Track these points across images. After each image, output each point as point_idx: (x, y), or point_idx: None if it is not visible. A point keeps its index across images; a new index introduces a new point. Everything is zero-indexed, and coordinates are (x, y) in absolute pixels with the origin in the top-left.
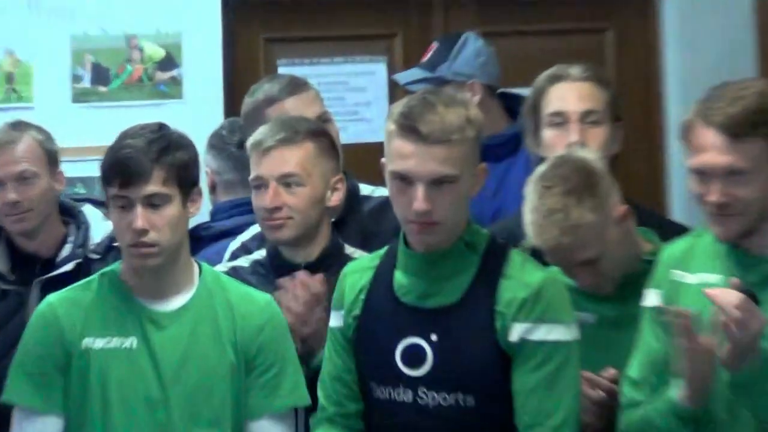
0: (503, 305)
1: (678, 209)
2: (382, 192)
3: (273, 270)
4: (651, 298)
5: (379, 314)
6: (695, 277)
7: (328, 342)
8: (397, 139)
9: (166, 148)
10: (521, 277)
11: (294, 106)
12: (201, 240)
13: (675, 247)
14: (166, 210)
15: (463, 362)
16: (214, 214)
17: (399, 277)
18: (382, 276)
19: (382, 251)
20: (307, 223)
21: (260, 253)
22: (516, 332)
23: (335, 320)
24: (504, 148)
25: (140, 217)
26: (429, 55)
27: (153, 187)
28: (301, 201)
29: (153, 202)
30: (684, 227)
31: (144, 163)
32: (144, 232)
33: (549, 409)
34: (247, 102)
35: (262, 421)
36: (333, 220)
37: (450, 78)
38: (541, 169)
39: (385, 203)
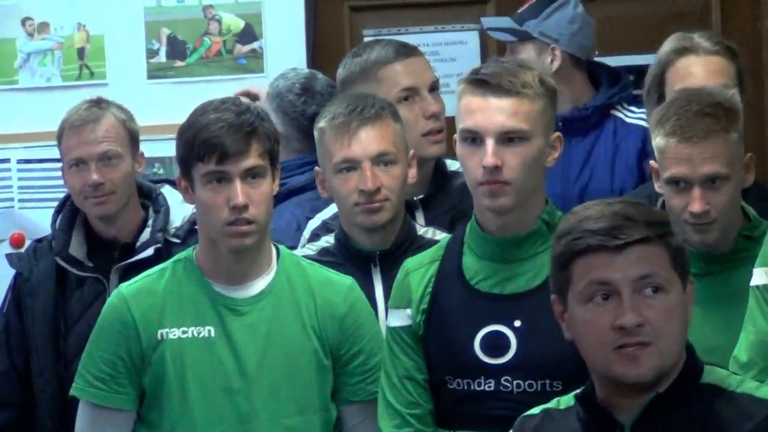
0: None
1: None
2: None
3: (344, 259)
4: (761, 276)
5: (451, 306)
6: None
7: (389, 343)
8: (465, 96)
9: (259, 121)
10: None
11: (407, 70)
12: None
13: None
14: (263, 185)
15: (550, 347)
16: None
17: (471, 264)
18: (450, 266)
19: (444, 242)
20: (400, 205)
21: (327, 240)
22: None
23: (399, 319)
24: (588, 122)
25: (241, 192)
26: (524, 7)
27: (252, 161)
28: (396, 180)
29: (251, 177)
30: None
31: (243, 135)
32: (245, 207)
33: None
34: (353, 62)
35: (356, 405)
36: (421, 197)
37: (534, 35)
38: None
39: None
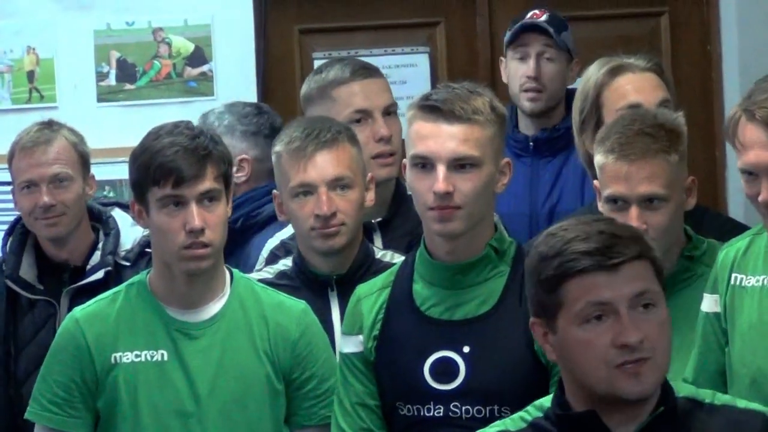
0: None
1: (735, 203)
2: None
3: (301, 283)
4: (709, 303)
5: (401, 332)
6: (754, 280)
7: (342, 369)
8: (416, 121)
9: (213, 144)
10: None
11: (362, 91)
12: (245, 231)
13: (732, 248)
14: (218, 208)
15: (499, 373)
16: (248, 201)
17: (420, 290)
18: (400, 292)
19: (395, 268)
20: (356, 229)
21: (285, 263)
22: None
23: (351, 346)
24: (558, 143)
25: (197, 215)
26: (544, 17)
27: (208, 184)
28: (353, 205)
29: (207, 200)
30: (743, 226)
31: (198, 159)
32: (201, 231)
33: None
34: (313, 80)
35: (309, 429)
36: (379, 219)
37: (569, 48)
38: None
39: None
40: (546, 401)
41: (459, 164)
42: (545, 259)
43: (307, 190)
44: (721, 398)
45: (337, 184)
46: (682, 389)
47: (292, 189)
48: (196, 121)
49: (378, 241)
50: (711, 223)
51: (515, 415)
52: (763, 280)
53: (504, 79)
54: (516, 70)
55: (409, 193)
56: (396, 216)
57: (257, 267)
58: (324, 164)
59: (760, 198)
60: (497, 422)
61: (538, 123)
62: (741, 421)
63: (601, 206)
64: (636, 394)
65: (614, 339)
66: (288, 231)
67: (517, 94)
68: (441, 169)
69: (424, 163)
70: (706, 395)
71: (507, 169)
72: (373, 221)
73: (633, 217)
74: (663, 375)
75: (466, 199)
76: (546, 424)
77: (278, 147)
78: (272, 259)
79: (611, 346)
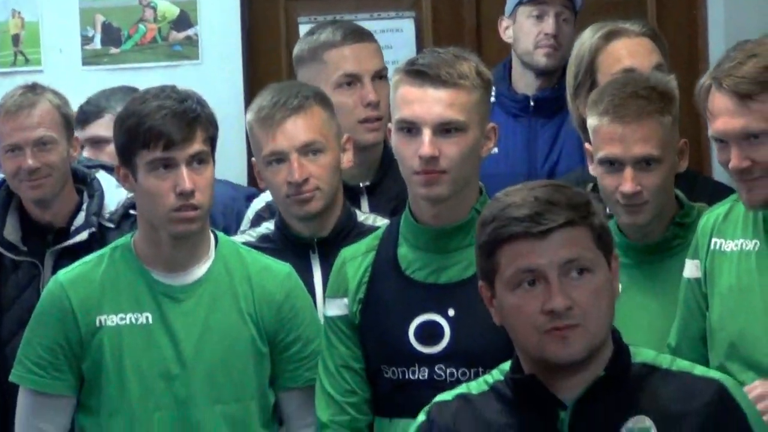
0: None
1: (721, 169)
2: None
3: (283, 246)
4: (690, 269)
5: (386, 295)
6: (733, 244)
7: (326, 332)
8: (402, 86)
9: (200, 107)
10: None
11: (352, 55)
12: None
13: (713, 214)
14: (207, 170)
15: (483, 336)
16: None
17: (406, 254)
18: (385, 255)
19: (380, 232)
20: (333, 192)
21: (267, 227)
22: None
23: (336, 309)
24: (557, 102)
25: (187, 178)
26: None
27: (197, 146)
28: (326, 169)
29: (197, 163)
30: (733, 191)
31: (187, 122)
32: (191, 193)
33: None
34: (305, 41)
35: (293, 392)
36: (367, 183)
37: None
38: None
39: None
40: (508, 365)
41: (445, 129)
42: (484, 224)
43: (279, 157)
44: (680, 364)
45: (308, 149)
46: (640, 354)
47: (265, 158)
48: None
49: (365, 205)
50: (703, 187)
51: (480, 378)
52: (742, 244)
53: (505, 37)
54: (531, 27)
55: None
56: (383, 180)
57: (242, 228)
58: (293, 131)
59: (730, 165)
60: (462, 385)
61: (545, 81)
62: (694, 388)
63: (593, 169)
64: (564, 358)
65: (543, 305)
66: None
67: (530, 51)
68: (427, 134)
69: (410, 128)
70: (664, 361)
71: (492, 134)
72: (360, 185)
73: (627, 179)
74: (595, 340)
75: (452, 164)
76: (502, 387)
77: (249, 117)
78: (257, 220)
79: (540, 312)
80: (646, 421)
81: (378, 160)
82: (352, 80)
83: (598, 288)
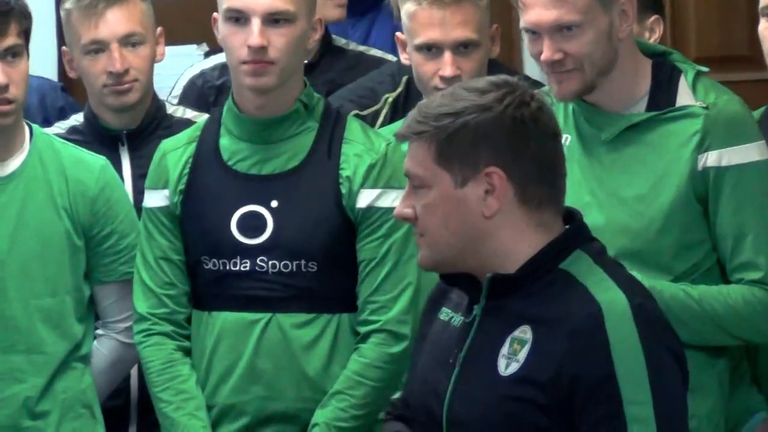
0: (349, 170)
1: (532, 62)
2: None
3: (92, 138)
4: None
5: (208, 186)
6: None
7: (145, 224)
8: None
9: (14, 0)
10: (365, 141)
11: None
12: None
13: None
14: (21, 64)
15: (305, 228)
16: None
17: (228, 145)
18: (207, 147)
19: (201, 123)
20: (149, 84)
21: (76, 119)
22: (363, 199)
23: (155, 200)
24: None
25: (2, 72)
26: None
27: (11, 40)
28: (145, 61)
29: (11, 56)
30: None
31: (1, 15)
32: (5, 88)
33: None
34: None
35: (109, 285)
36: (306, 62)
37: None
38: None
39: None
40: None
41: (273, 19)
42: None
43: (99, 47)
44: (593, 279)
45: (129, 40)
46: (575, 264)
47: (84, 46)
48: None
49: None
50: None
51: None
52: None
53: None
54: None
55: (336, 44)
56: (319, 64)
57: (174, 94)
58: (115, 21)
59: (542, 57)
60: None
61: None
62: (574, 310)
63: (406, 58)
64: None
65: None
66: (211, 61)
67: None
68: (256, 23)
69: (239, 17)
70: (589, 274)
71: (318, 26)
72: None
73: (447, 62)
74: (437, 251)
75: (280, 54)
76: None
77: (68, 4)
78: (190, 86)
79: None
80: (527, 333)
81: (317, 44)
82: None
83: (429, 204)
